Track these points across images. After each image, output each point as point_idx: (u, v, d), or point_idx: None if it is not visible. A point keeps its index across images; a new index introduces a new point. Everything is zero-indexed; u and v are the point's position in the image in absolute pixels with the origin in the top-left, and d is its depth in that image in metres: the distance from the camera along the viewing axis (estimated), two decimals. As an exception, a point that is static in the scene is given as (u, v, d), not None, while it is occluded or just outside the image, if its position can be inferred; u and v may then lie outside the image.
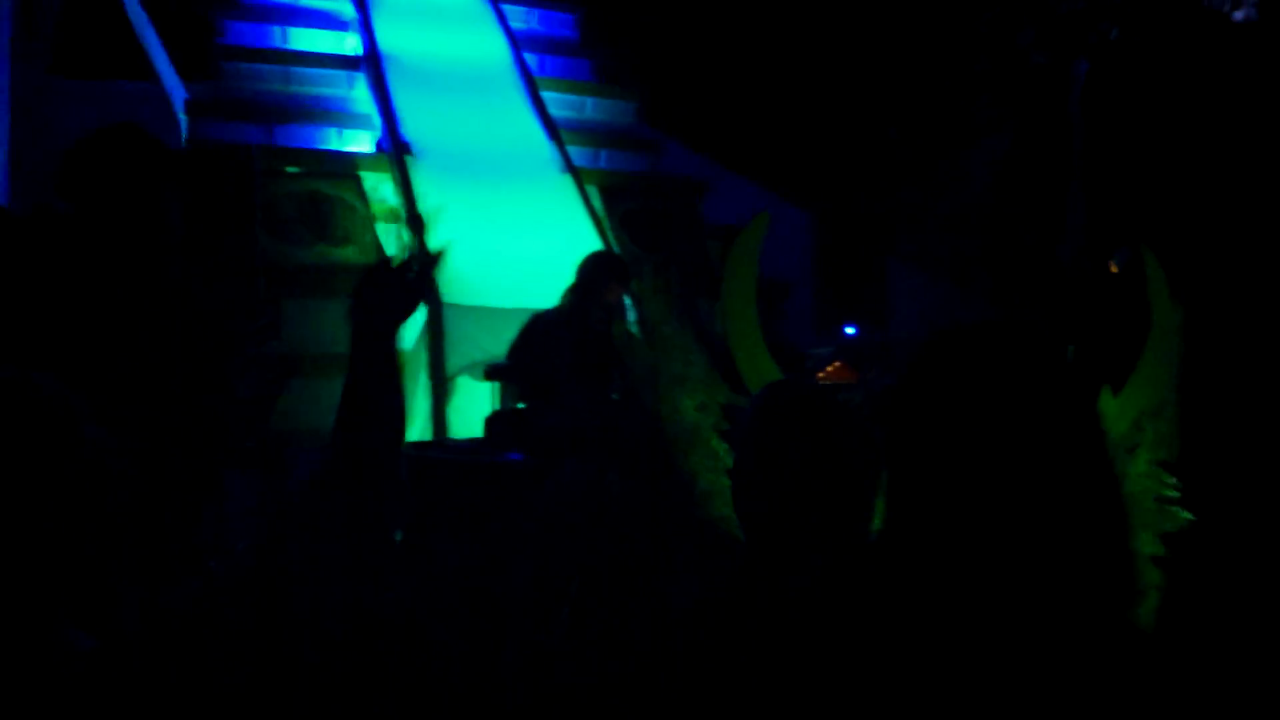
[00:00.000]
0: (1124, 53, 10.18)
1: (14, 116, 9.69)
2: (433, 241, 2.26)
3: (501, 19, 9.56)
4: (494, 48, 9.28)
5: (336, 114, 8.50)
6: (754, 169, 10.86)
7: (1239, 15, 9.68)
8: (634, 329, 3.92)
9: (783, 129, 12.03)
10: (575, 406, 4.67)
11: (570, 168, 8.23)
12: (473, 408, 6.25)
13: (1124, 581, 1.36)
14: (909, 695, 1.31)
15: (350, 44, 9.07)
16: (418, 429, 6.65)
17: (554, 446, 3.96)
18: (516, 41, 9.35)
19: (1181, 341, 3.86)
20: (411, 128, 8.04)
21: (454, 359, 6.57)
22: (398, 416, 2.21)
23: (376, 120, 8.27)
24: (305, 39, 9.02)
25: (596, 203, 8.16)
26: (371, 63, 8.55)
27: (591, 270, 5.46)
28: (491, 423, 4.82)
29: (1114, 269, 7.15)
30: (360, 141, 8.36)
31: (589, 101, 9.54)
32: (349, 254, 7.25)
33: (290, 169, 7.58)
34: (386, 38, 8.82)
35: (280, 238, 6.98)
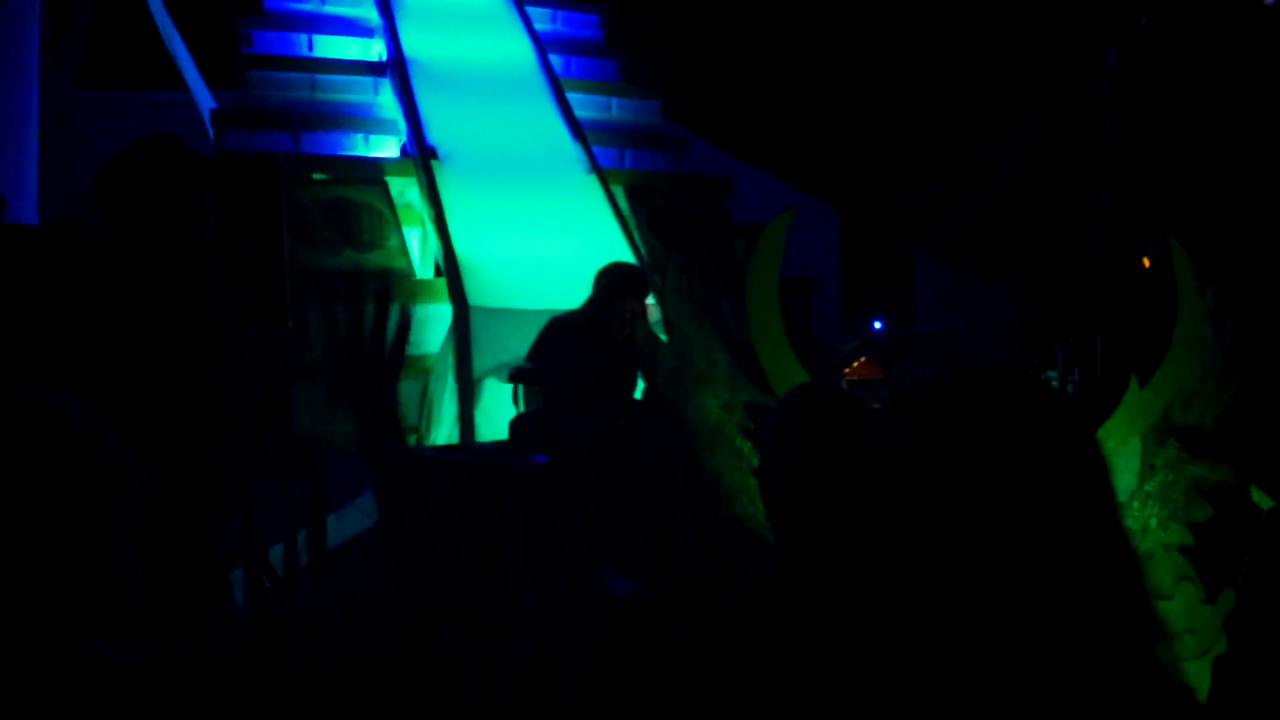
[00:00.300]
0: (1153, 41, 10.09)
1: (44, 127, 9.78)
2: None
3: (525, 21, 9.59)
4: (518, 50, 9.31)
5: (362, 120, 8.55)
6: (779, 165, 10.84)
7: (1270, 0, 9.58)
8: (657, 329, 3.91)
9: (807, 124, 12.00)
10: (598, 408, 4.67)
11: (596, 168, 8.24)
12: (500, 411, 6.27)
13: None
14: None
15: (375, 50, 9.12)
16: (444, 433, 6.67)
17: (577, 449, 3.97)
18: (541, 43, 9.38)
19: (1210, 331, 3.83)
20: (437, 132, 8.07)
21: (481, 361, 6.59)
22: None
23: (402, 125, 8.30)
24: (331, 46, 9.08)
25: (622, 202, 8.16)
26: (396, 68, 8.59)
27: (609, 284, 5.45)
28: (516, 426, 4.83)
29: (1147, 262, 7.11)
30: (386, 147, 8.41)
31: (614, 101, 9.55)
32: (376, 259, 7.28)
33: (317, 175, 7.62)
34: (411, 43, 8.86)
35: (307, 244, 7.02)
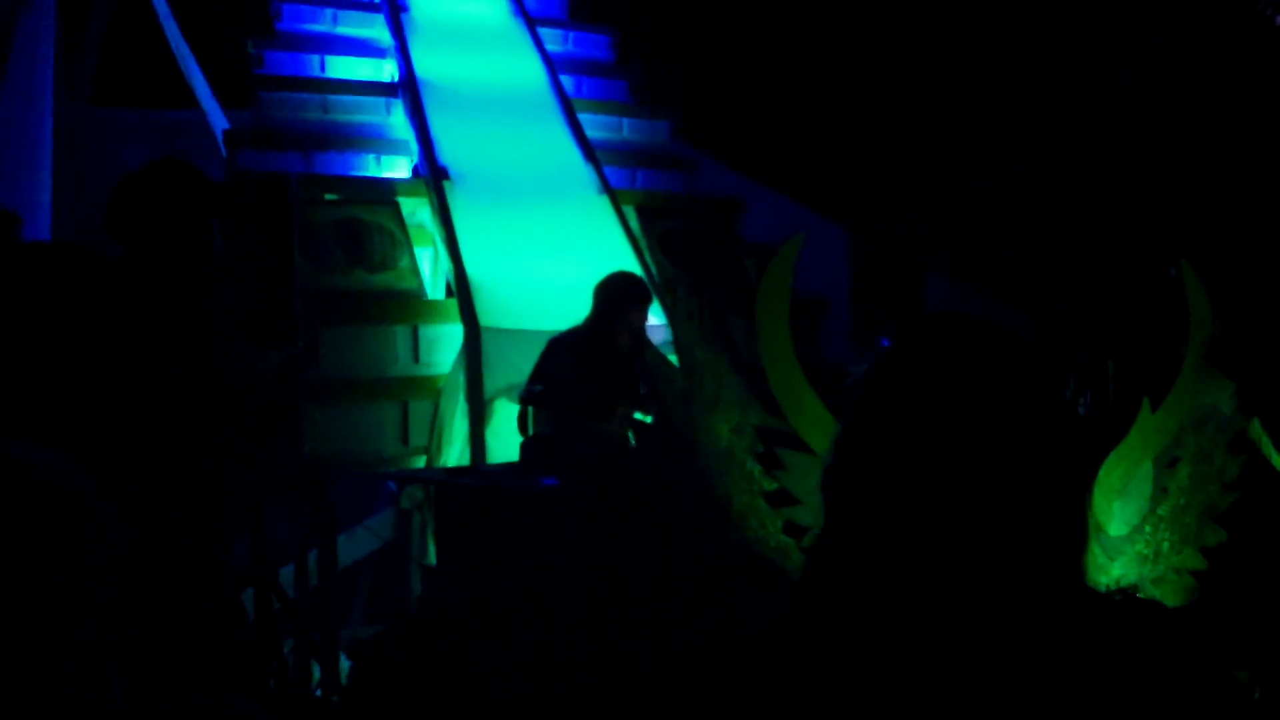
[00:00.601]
0: (1167, 60, 10.09)
1: (58, 146, 9.83)
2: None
3: (537, 42, 9.62)
4: (530, 71, 9.34)
5: (374, 140, 8.57)
6: (789, 185, 10.83)
7: (1280, 20, 9.58)
8: (666, 350, 3.90)
9: (818, 145, 12.01)
10: (607, 431, 4.67)
11: (607, 189, 8.25)
12: (511, 432, 6.27)
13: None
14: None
15: (387, 71, 9.16)
16: (455, 454, 6.67)
17: (587, 471, 3.97)
18: (552, 64, 9.40)
19: (1221, 352, 3.82)
20: (448, 152, 8.09)
21: (492, 382, 6.59)
22: None
23: (414, 146, 8.32)
24: (343, 67, 9.12)
25: (634, 223, 8.17)
26: (408, 89, 8.62)
27: (610, 296, 5.41)
28: (526, 448, 4.83)
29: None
30: (398, 167, 8.43)
31: (625, 122, 9.57)
32: (387, 280, 7.29)
33: (328, 196, 7.65)
34: (423, 64, 8.89)
35: (318, 264, 7.04)
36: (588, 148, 8.58)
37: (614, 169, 8.73)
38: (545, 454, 4.42)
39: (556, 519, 3.82)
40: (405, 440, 6.94)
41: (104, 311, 2.75)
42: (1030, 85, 10.90)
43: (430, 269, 7.93)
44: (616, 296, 5.37)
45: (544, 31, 9.88)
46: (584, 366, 5.14)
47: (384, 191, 7.91)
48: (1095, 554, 2.52)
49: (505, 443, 6.33)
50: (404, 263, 7.45)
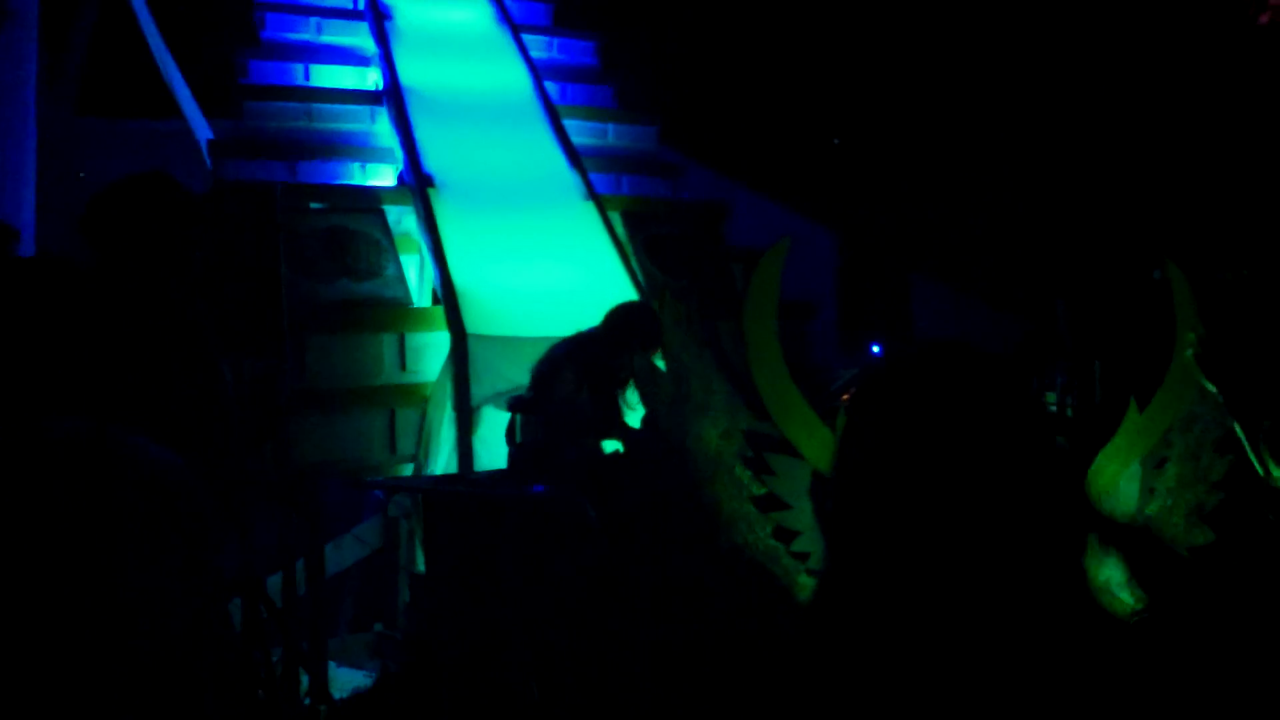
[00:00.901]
0: (1141, 60, 10.13)
1: (42, 156, 9.80)
2: None
3: (522, 48, 9.62)
4: (515, 77, 9.34)
5: (359, 149, 8.56)
6: (775, 189, 10.85)
7: (1264, 19, 9.63)
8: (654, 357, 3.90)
9: (803, 148, 12.02)
10: (596, 438, 4.66)
11: (593, 195, 8.25)
12: (498, 439, 6.26)
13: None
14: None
15: (372, 79, 9.15)
16: (442, 462, 6.66)
17: (576, 478, 3.96)
18: (537, 70, 9.40)
19: (1209, 353, 3.82)
20: (434, 160, 8.08)
21: (479, 390, 6.58)
22: None
23: (399, 154, 8.32)
24: (327, 75, 9.11)
25: (620, 229, 8.17)
26: (393, 97, 8.61)
27: (622, 329, 5.29)
28: (515, 455, 4.81)
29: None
30: (383, 175, 8.42)
31: (610, 128, 9.57)
32: (373, 288, 7.28)
33: (314, 205, 7.63)
34: (407, 72, 8.88)
35: (304, 273, 7.02)
36: (573, 154, 8.57)
37: (599, 175, 8.73)
38: (534, 462, 4.41)
39: (546, 527, 3.81)
40: (392, 449, 6.93)
41: (77, 322, 2.75)
42: (1015, 89, 10.93)
43: (416, 277, 7.91)
44: (623, 332, 5.25)
45: (528, 38, 9.88)
46: (583, 380, 5.10)
47: (369, 199, 7.90)
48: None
49: (493, 450, 6.32)
50: (390, 271, 7.44)
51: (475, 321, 6.85)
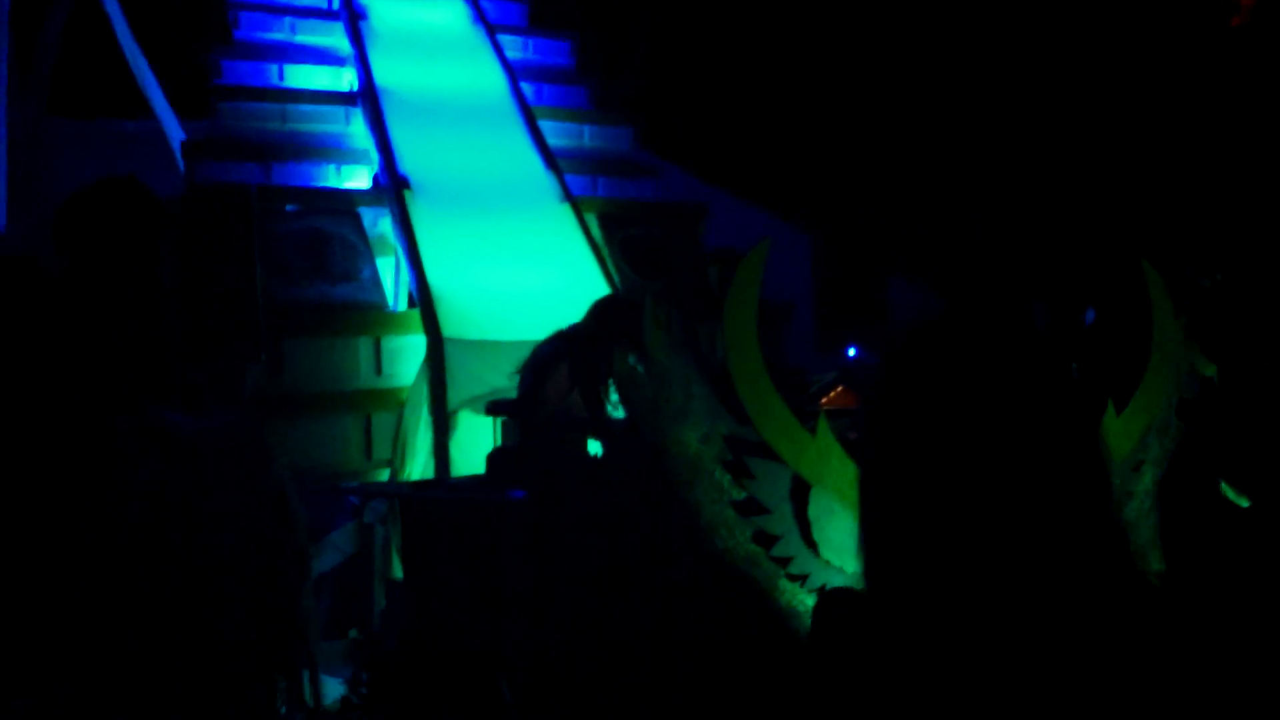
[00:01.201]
0: (1116, 64, 10.18)
1: (12, 156, 9.73)
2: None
3: (497, 49, 9.59)
4: (491, 79, 9.30)
5: (334, 150, 8.51)
6: (751, 191, 10.85)
7: (1238, 20, 9.69)
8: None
9: (779, 150, 12.03)
10: (577, 442, 4.63)
11: (569, 197, 8.22)
12: (476, 444, 6.22)
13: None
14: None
15: (347, 80, 9.10)
16: (419, 466, 6.62)
17: (556, 483, 3.94)
18: (513, 71, 9.37)
19: (1184, 354, 3.84)
20: (409, 161, 8.04)
21: (456, 394, 6.54)
22: None
23: (374, 155, 8.27)
24: (302, 76, 9.05)
25: (596, 231, 8.15)
26: (368, 98, 8.56)
27: (602, 323, 5.25)
28: (493, 459, 4.78)
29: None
30: (358, 177, 8.37)
31: (586, 129, 9.55)
32: (349, 291, 7.24)
33: (289, 207, 7.58)
34: (383, 72, 8.83)
35: (280, 276, 6.98)
36: (549, 156, 8.55)
37: (576, 176, 8.70)
38: (512, 467, 4.39)
39: (524, 532, 3.79)
40: (369, 454, 6.89)
41: (40, 325, 2.74)
42: (992, 94, 10.97)
43: (392, 280, 7.88)
44: (604, 326, 5.22)
45: (504, 38, 9.84)
46: (582, 390, 5.06)
47: (345, 202, 7.86)
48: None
49: (470, 455, 6.28)
50: (365, 274, 7.40)
51: (451, 325, 6.81)
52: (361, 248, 7.47)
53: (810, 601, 3.41)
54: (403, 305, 7.74)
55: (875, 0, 11.80)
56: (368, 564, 6.74)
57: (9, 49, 9.82)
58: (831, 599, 2.92)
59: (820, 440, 3.53)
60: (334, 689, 5.79)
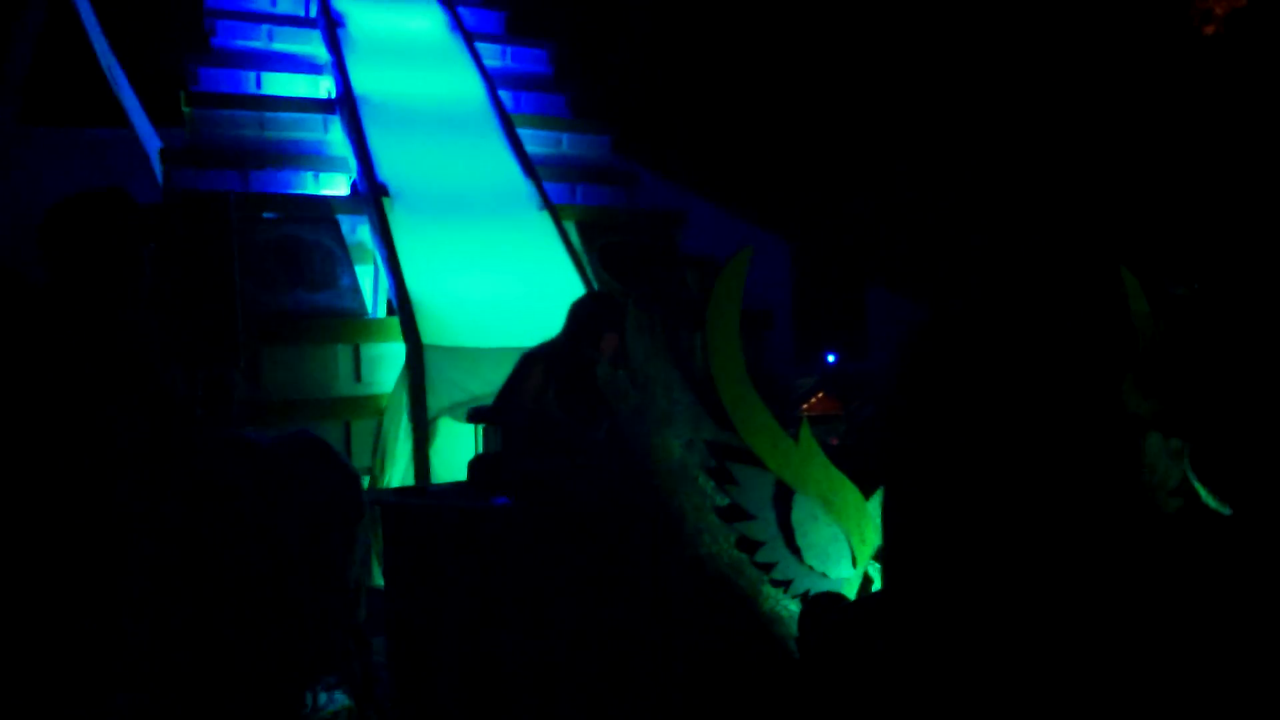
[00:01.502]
0: (1093, 72, 10.24)
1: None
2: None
3: (475, 57, 9.59)
4: (469, 86, 9.30)
5: (312, 158, 8.49)
6: (729, 197, 10.88)
7: (1209, 31, 9.77)
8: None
9: (756, 156, 12.06)
10: (560, 448, 4.64)
11: (548, 204, 8.23)
12: (456, 451, 6.21)
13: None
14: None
15: (325, 87, 9.08)
16: (399, 474, 6.61)
17: (538, 490, 3.94)
18: (491, 79, 9.37)
19: (1160, 352, 3.86)
20: (388, 169, 8.03)
21: (435, 401, 6.54)
22: None
23: (352, 163, 8.26)
24: (279, 84, 9.03)
25: (575, 238, 8.16)
26: (346, 105, 8.55)
27: (586, 317, 5.27)
28: (474, 466, 4.78)
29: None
30: (337, 185, 8.36)
31: (564, 137, 9.56)
32: (328, 298, 7.22)
33: (267, 214, 7.57)
34: (360, 80, 8.82)
35: (258, 284, 6.96)
36: (527, 163, 8.56)
37: (554, 184, 8.72)
38: (494, 473, 4.38)
39: (508, 539, 3.79)
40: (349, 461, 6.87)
41: (27, 337, 2.74)
42: (971, 103, 11.02)
43: (371, 287, 7.86)
44: (588, 320, 5.23)
45: (482, 46, 9.85)
46: (557, 385, 5.06)
47: (323, 209, 7.85)
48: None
49: (449, 462, 6.28)
50: (344, 281, 7.38)
51: (431, 332, 6.80)
52: (340, 255, 7.45)
53: (794, 607, 3.41)
54: (381, 312, 7.73)
55: (856, 6, 11.85)
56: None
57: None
58: (817, 604, 2.95)
59: (803, 446, 3.55)
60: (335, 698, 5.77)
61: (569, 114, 9.89)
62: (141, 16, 11.53)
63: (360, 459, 6.90)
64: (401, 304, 7.00)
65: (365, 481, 6.88)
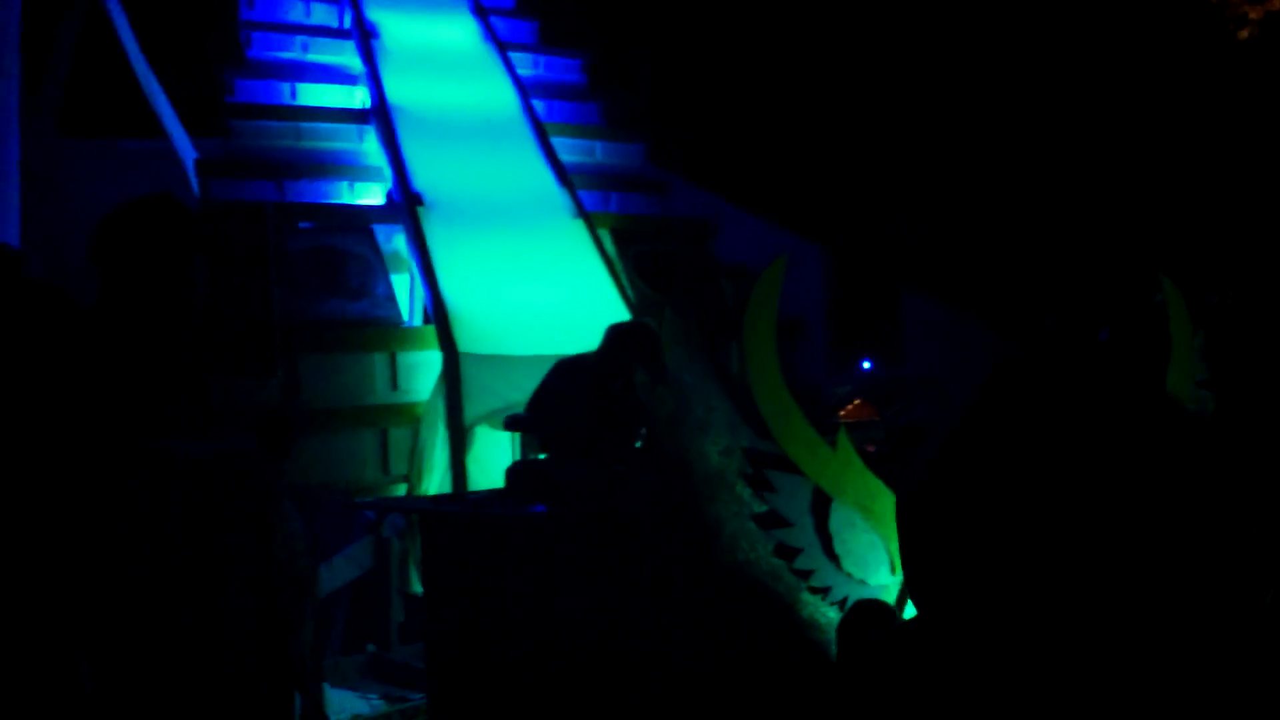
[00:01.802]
0: (1129, 77, 10.18)
1: (25, 176, 9.75)
2: None
3: (509, 67, 9.62)
4: (502, 96, 9.33)
5: (347, 168, 8.54)
6: (763, 205, 10.87)
7: (1244, 35, 9.70)
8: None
9: (791, 164, 12.05)
10: (597, 456, 4.64)
11: (582, 212, 8.25)
12: (492, 458, 6.23)
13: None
14: None
15: (359, 98, 9.13)
16: (436, 481, 6.63)
17: (576, 498, 3.95)
18: (524, 88, 9.40)
19: (1201, 370, 3.86)
20: (422, 178, 8.07)
21: (472, 409, 6.56)
22: None
23: (387, 172, 8.30)
24: (314, 94, 9.08)
25: (609, 246, 8.17)
26: (380, 115, 8.59)
27: (618, 345, 5.22)
28: (512, 474, 4.79)
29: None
30: (372, 194, 8.40)
31: (598, 145, 9.57)
32: (364, 307, 7.26)
33: (302, 224, 7.61)
34: (395, 90, 8.86)
35: (294, 293, 6.99)
36: (562, 172, 8.57)
37: (588, 192, 8.73)
38: (532, 480, 4.39)
39: (547, 547, 3.80)
40: (385, 469, 6.90)
41: (70, 353, 2.75)
42: (1006, 107, 10.97)
43: (407, 296, 7.89)
44: (620, 349, 5.19)
45: (514, 56, 9.87)
46: (581, 397, 5.06)
47: (358, 219, 7.88)
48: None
49: (486, 470, 6.29)
50: (380, 290, 7.42)
51: (467, 340, 6.83)
52: (376, 264, 7.49)
53: (832, 614, 3.41)
54: (418, 321, 7.76)
55: (887, 13, 11.82)
56: (385, 578, 6.76)
57: (20, 69, 9.86)
58: (858, 614, 2.94)
59: (841, 453, 3.55)
60: (351, 703, 5.80)
61: (602, 123, 9.90)
62: (177, 28, 11.62)
63: (397, 467, 6.93)
64: (437, 312, 7.03)
65: (402, 489, 6.92)
